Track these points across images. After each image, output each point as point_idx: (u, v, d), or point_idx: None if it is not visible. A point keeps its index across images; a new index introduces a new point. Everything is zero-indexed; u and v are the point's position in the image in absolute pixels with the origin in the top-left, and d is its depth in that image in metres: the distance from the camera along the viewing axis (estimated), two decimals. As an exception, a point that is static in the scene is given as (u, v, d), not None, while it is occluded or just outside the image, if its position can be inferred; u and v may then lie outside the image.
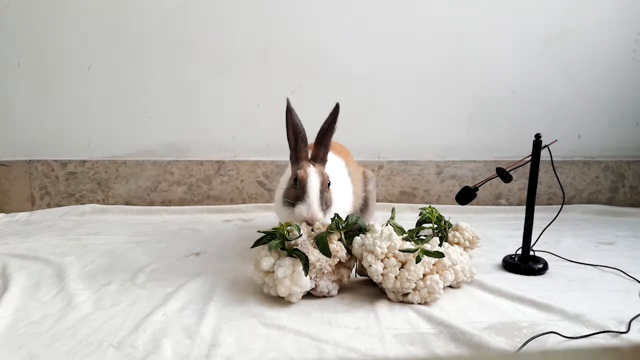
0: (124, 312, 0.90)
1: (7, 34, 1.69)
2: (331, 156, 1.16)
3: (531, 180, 1.13)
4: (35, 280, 1.06)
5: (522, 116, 1.81)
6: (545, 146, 1.09)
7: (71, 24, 1.70)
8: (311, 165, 1.06)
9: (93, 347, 0.78)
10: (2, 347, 0.78)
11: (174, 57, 1.74)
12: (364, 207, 1.30)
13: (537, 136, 1.10)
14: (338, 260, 0.97)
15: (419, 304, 0.94)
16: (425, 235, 1.04)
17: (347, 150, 1.35)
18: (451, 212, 1.55)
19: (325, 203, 1.05)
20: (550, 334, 0.81)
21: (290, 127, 1.09)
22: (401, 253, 0.94)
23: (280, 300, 0.94)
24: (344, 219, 1.01)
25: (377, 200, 1.82)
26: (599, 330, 0.82)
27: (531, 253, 1.17)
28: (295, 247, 0.95)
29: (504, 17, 1.75)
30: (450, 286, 1.02)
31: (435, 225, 1.08)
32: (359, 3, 1.73)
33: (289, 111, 1.09)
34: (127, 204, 1.80)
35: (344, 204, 1.15)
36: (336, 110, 1.09)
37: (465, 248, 1.06)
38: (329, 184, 1.07)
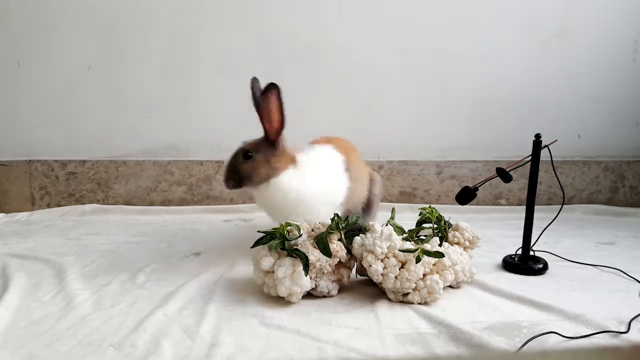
0: (124, 312, 0.90)
1: (7, 33, 1.69)
2: (328, 149, 1.21)
3: (531, 180, 1.13)
4: (35, 280, 1.06)
5: (522, 116, 1.81)
6: (545, 146, 1.09)
7: (71, 24, 1.70)
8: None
9: (93, 347, 0.78)
10: (2, 347, 0.78)
11: (174, 57, 1.75)
12: (366, 208, 1.30)
13: (537, 136, 1.10)
14: (338, 260, 0.97)
15: (419, 304, 0.94)
16: (425, 235, 1.04)
17: (352, 149, 1.32)
18: (451, 212, 1.55)
19: (238, 173, 1.12)
20: (550, 334, 0.81)
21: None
22: (401, 253, 0.94)
23: (280, 300, 0.94)
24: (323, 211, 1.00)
25: (377, 200, 1.83)
26: (599, 330, 0.82)
27: (531, 253, 1.17)
28: (295, 247, 0.95)
29: (504, 17, 1.75)
30: (450, 286, 1.02)
31: (435, 225, 1.08)
32: (358, 3, 1.73)
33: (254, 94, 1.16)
34: (127, 204, 1.80)
35: (322, 194, 1.15)
36: (264, 89, 1.13)
37: (465, 248, 1.06)
38: (247, 156, 1.12)
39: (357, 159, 1.31)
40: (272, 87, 1.11)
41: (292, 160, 1.15)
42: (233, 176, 1.13)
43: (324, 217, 1.09)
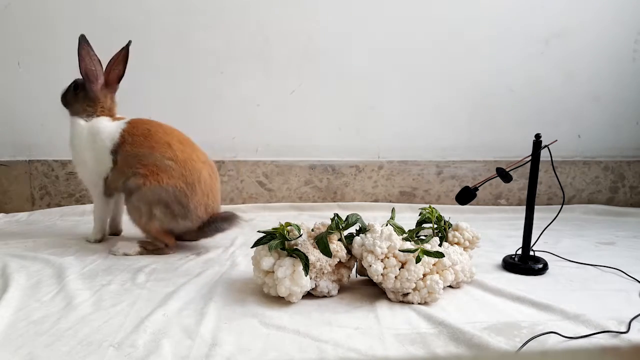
0: (124, 312, 0.90)
1: (7, 33, 1.69)
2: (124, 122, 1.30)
3: (531, 180, 1.13)
4: (35, 280, 1.06)
5: (522, 116, 1.82)
6: (545, 146, 1.09)
7: (71, 24, 1.70)
8: None
9: (93, 347, 0.78)
10: (2, 347, 0.78)
11: (174, 57, 1.75)
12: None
13: (537, 136, 1.10)
14: (338, 260, 0.97)
15: (419, 304, 0.94)
16: (425, 235, 1.04)
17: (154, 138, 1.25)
18: (451, 212, 1.55)
19: (64, 98, 1.33)
20: (550, 334, 0.81)
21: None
22: (401, 253, 0.94)
23: (281, 300, 0.94)
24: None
25: (377, 200, 1.83)
26: (599, 330, 0.82)
27: (531, 253, 1.17)
28: (295, 247, 0.95)
29: (504, 17, 1.75)
30: (450, 286, 1.02)
31: (435, 225, 1.08)
32: (358, 3, 1.73)
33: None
34: (127, 204, 1.80)
35: (89, 160, 1.30)
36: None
37: (465, 248, 1.06)
38: (75, 87, 1.31)
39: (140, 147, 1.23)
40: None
41: (100, 113, 1.28)
42: (62, 99, 1.32)
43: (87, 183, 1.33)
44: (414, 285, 0.93)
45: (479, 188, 1.15)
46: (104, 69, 1.28)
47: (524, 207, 1.15)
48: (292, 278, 0.91)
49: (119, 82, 1.31)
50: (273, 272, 0.94)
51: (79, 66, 1.24)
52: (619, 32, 1.77)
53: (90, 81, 1.26)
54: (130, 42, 1.29)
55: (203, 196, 1.23)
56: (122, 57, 1.29)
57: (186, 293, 0.99)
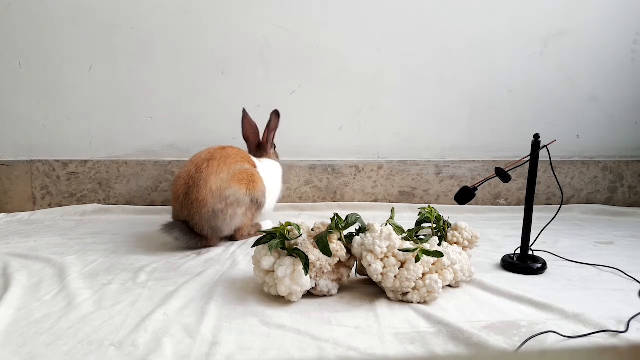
0: (125, 312, 0.91)
1: (8, 34, 1.70)
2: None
3: (530, 180, 1.13)
4: (37, 280, 1.07)
5: (521, 116, 1.82)
6: (544, 146, 1.09)
7: (72, 25, 1.70)
8: None
9: (94, 346, 0.78)
10: (4, 346, 0.79)
11: (175, 57, 1.75)
12: None
13: (536, 136, 1.10)
14: (338, 259, 0.98)
15: (418, 303, 0.94)
16: (424, 235, 1.04)
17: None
18: (450, 212, 1.56)
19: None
20: (549, 333, 0.81)
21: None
22: (400, 252, 0.94)
23: (281, 300, 0.95)
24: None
25: (377, 200, 1.84)
26: (597, 330, 0.82)
27: (530, 252, 1.17)
28: (295, 246, 0.95)
29: (503, 17, 1.76)
30: (449, 285, 1.03)
31: (435, 225, 1.08)
32: (358, 4, 1.73)
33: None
34: (128, 203, 1.81)
35: None
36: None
37: (464, 247, 1.07)
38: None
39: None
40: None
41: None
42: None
43: None
44: (413, 284, 0.93)
45: (478, 188, 1.15)
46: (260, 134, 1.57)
47: (523, 207, 1.15)
48: (292, 277, 0.92)
49: (268, 143, 1.58)
50: (273, 271, 0.94)
51: (242, 131, 1.56)
52: (618, 32, 1.77)
53: (250, 142, 1.58)
54: (277, 111, 1.54)
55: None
56: (269, 125, 1.55)
57: (187, 292, 1.00)
